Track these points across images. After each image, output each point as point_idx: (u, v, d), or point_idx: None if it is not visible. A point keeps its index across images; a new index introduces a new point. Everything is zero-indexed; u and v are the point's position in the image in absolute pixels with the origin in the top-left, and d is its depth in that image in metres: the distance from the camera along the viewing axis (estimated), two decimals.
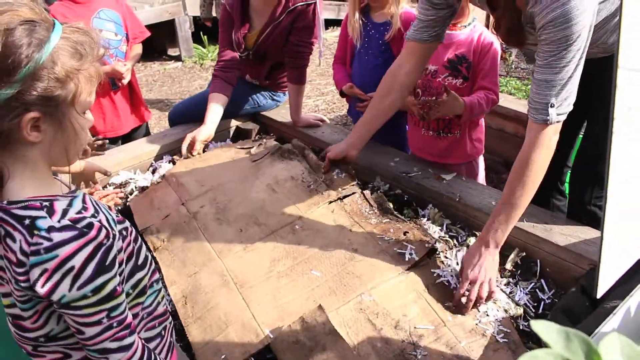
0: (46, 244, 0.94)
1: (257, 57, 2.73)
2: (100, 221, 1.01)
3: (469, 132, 2.31)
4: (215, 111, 2.59)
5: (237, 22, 2.65)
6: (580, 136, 2.23)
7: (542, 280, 1.78)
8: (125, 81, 2.90)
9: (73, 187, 1.11)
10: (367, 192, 2.08)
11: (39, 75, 0.93)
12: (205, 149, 2.71)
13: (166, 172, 2.42)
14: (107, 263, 0.99)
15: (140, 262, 1.15)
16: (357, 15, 2.40)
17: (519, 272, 1.81)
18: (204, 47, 6.83)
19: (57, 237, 0.95)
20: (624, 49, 0.91)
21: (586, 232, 1.81)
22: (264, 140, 2.56)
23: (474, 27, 2.17)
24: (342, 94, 2.63)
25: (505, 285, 1.74)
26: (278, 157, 2.35)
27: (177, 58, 6.72)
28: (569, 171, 2.32)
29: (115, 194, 1.82)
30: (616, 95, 0.93)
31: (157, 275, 1.24)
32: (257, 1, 2.61)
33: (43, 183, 1.03)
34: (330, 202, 2.03)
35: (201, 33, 6.77)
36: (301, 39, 2.59)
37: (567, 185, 2.41)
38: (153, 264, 1.23)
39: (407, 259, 1.73)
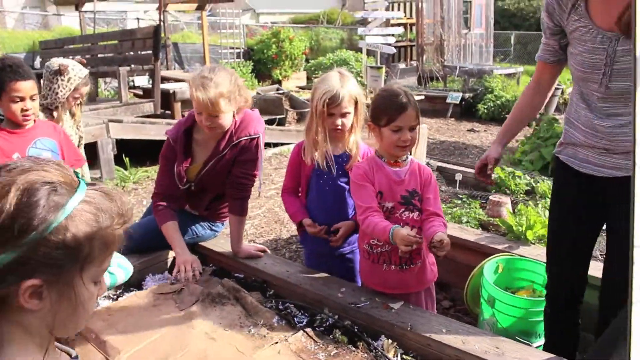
0: None
1: (198, 189, 2.75)
2: None
3: (427, 258, 2.35)
4: (180, 238, 2.67)
5: (180, 155, 2.68)
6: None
7: None
8: None
9: (74, 354, 1.06)
10: (309, 330, 2.10)
11: (47, 241, 0.88)
12: (143, 283, 2.64)
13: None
14: None
15: None
16: (327, 145, 2.47)
17: None
18: (125, 169, 6.77)
19: None
20: None
21: (536, 355, 1.88)
22: (185, 284, 2.49)
23: (411, 160, 2.33)
24: (299, 225, 2.60)
25: None
26: (209, 304, 2.31)
27: (98, 180, 6.60)
28: None
29: None
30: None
31: None
32: (201, 135, 2.68)
33: (41, 350, 0.96)
34: (276, 343, 2.02)
35: (123, 155, 6.74)
36: (244, 172, 2.66)
37: None
38: None
39: None
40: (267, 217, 5.18)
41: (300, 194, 2.67)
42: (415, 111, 2.19)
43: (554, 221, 2.34)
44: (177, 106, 8.14)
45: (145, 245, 2.75)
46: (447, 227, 2.23)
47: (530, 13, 25.24)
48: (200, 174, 2.68)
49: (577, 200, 2.20)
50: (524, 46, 21.44)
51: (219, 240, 2.96)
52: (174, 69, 12.13)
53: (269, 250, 2.82)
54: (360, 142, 2.54)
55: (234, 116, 2.60)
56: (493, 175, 4.30)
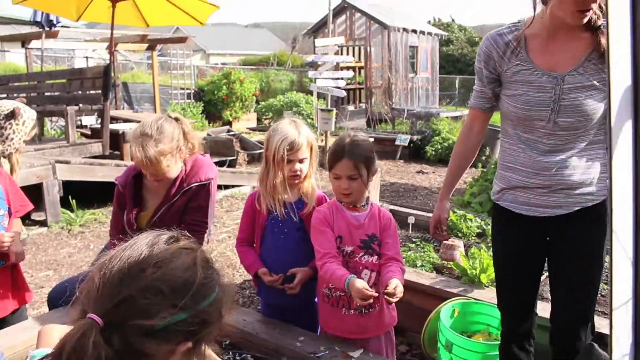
0: None
1: None
2: None
3: (386, 302, 2.32)
4: None
5: (129, 201, 2.62)
6: None
7: None
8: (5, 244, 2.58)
9: None
10: None
11: (208, 307, 1.00)
12: None
13: None
14: None
15: None
16: (287, 191, 2.44)
17: None
18: (72, 211, 6.55)
19: None
20: None
21: None
22: None
23: (371, 204, 2.34)
24: (255, 275, 2.52)
25: None
26: None
27: (43, 223, 6.34)
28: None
29: None
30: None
31: None
32: (151, 181, 2.62)
33: None
34: None
35: (70, 197, 6.53)
36: (196, 219, 2.61)
37: None
38: None
39: None
40: (219, 262, 5.02)
41: (255, 244, 2.60)
42: (353, 162, 2.19)
43: (499, 267, 2.38)
44: (127, 147, 7.97)
45: None
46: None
47: (474, 59, 26.16)
48: (152, 221, 2.61)
49: (521, 243, 2.26)
50: (468, 90, 22.26)
51: None
52: (123, 108, 11.94)
53: None
54: (315, 188, 2.54)
55: (184, 162, 2.56)
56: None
